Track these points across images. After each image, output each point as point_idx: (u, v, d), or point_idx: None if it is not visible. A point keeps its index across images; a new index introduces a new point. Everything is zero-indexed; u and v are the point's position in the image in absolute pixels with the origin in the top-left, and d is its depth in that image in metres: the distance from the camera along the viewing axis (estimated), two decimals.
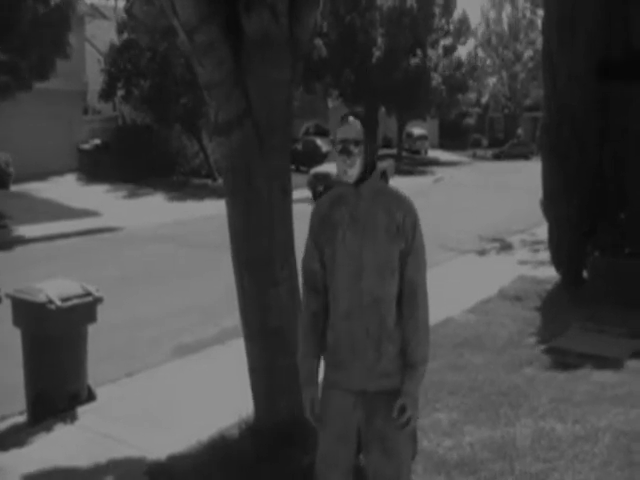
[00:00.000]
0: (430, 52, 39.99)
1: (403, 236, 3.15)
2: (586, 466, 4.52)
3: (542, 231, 13.47)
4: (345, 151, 3.15)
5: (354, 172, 3.16)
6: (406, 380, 3.15)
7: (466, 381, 6.17)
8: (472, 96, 52.28)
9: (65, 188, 25.20)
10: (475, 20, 62.38)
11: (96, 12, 32.44)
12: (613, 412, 5.40)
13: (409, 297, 3.17)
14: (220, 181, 27.74)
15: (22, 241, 16.01)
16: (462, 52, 46.21)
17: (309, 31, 5.36)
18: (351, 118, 3.20)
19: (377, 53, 37.81)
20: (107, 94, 29.53)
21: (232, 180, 4.99)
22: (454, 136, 57.36)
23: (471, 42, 48.57)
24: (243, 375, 5.24)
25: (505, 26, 60.40)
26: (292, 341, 5.02)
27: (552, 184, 10.17)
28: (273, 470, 4.53)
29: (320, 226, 3.25)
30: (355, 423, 3.22)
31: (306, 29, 5.16)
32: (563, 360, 6.89)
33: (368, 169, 3.20)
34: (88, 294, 6.10)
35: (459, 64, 43.65)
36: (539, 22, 54.57)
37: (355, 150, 3.14)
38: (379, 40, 37.91)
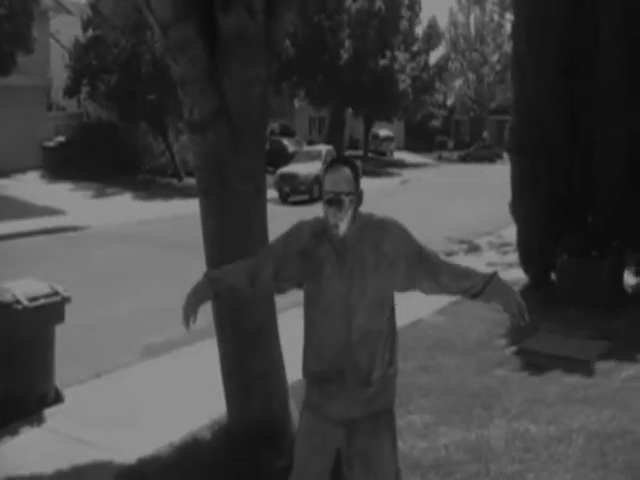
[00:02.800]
0: (398, 54, 40.21)
1: (400, 261, 3.07)
2: (561, 467, 4.54)
3: (509, 233, 13.58)
4: (335, 203, 2.97)
5: (344, 226, 3.00)
6: (491, 294, 3.14)
7: (438, 383, 6.18)
8: (439, 97, 52.68)
9: (28, 186, 24.80)
10: (443, 22, 62.75)
11: (60, 7, 31.97)
12: (585, 413, 5.43)
13: (445, 270, 3.16)
14: (186, 181, 27.60)
15: None
16: (432, 56, 46.66)
17: (285, 29, 5.32)
18: (340, 165, 3.03)
19: (345, 55, 37.91)
20: (72, 90, 29.18)
21: (205, 179, 4.92)
22: (420, 138, 57.73)
23: (440, 45, 48.97)
24: (214, 376, 5.17)
25: (472, 29, 60.91)
26: (265, 343, 4.99)
27: (521, 187, 10.24)
28: (246, 472, 4.48)
29: (300, 256, 3.11)
30: (334, 442, 3.15)
31: (282, 27, 5.12)
32: (533, 362, 6.93)
33: (354, 217, 3.05)
34: (56, 294, 5.98)
35: (426, 65, 43.96)
36: (507, 25, 55.24)
37: (346, 202, 2.97)
38: (347, 42, 38.01)
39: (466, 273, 3.19)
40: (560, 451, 4.77)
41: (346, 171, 3.00)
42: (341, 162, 3.07)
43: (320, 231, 3.10)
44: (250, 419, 4.86)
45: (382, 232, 3.08)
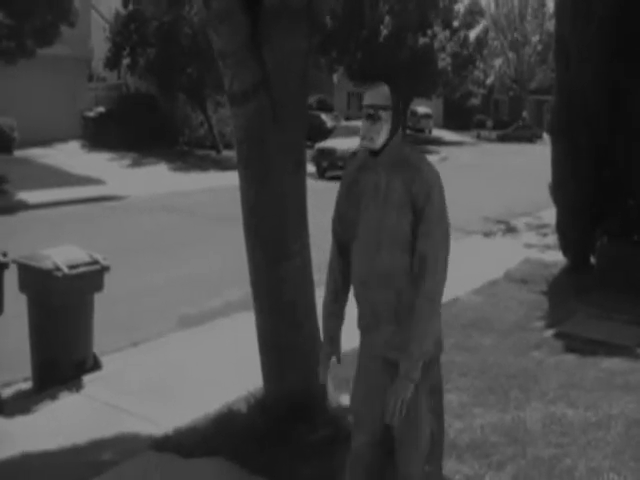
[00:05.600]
0: (438, 32, 39.72)
1: (415, 208, 3.05)
2: (599, 453, 4.47)
3: (548, 214, 13.42)
4: (370, 117, 3.09)
5: (379, 140, 3.10)
6: (404, 358, 3.00)
7: (475, 363, 6.12)
8: (479, 74, 51.97)
9: (69, 155, 25.06)
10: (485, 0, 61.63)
11: None
12: (624, 400, 5.34)
13: (420, 269, 3.02)
14: (224, 153, 27.66)
15: (25, 206, 15.93)
16: (472, 34, 45.98)
17: (327, 1, 5.25)
18: (379, 83, 3.13)
19: (384, 31, 37.50)
20: (112, 63, 29.36)
21: (245, 151, 4.89)
22: (458, 116, 57.14)
23: (481, 24, 48.21)
24: (251, 348, 5.18)
25: (514, 7, 59.85)
26: (303, 316, 4.97)
27: (561, 168, 10.07)
28: (281, 445, 4.49)
29: (347, 190, 3.26)
30: (382, 385, 3.19)
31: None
32: (571, 345, 6.83)
33: (392, 136, 3.14)
34: (95, 262, 6.03)
35: (466, 40, 43.36)
36: (550, 3, 54.21)
37: (382, 115, 3.08)
38: (386, 18, 37.58)
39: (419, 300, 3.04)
40: (598, 437, 4.70)
41: (384, 88, 3.12)
42: (380, 81, 3.17)
43: (362, 164, 3.24)
44: (286, 392, 4.86)
45: (415, 175, 3.08)
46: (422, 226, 3.04)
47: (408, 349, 3.00)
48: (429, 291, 3.01)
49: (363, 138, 3.11)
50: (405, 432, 3.20)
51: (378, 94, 3.09)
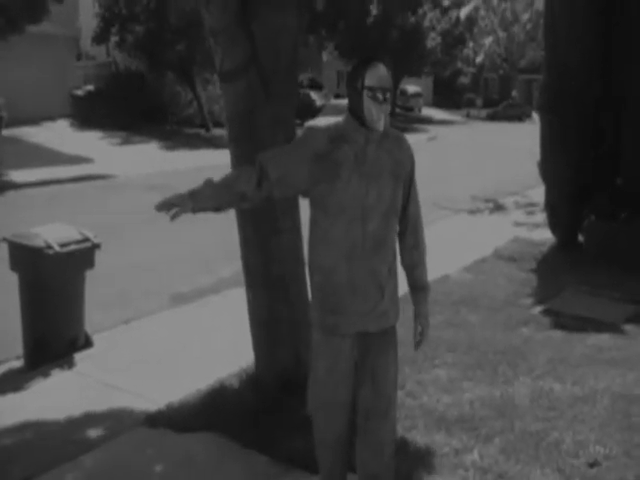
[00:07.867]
0: (427, 12, 39.63)
1: (406, 178, 3.24)
2: (585, 427, 4.54)
3: (536, 193, 13.50)
4: (380, 99, 3.04)
5: (385, 120, 3.11)
6: (421, 303, 3.38)
7: (464, 339, 6.19)
8: (468, 52, 51.82)
9: (58, 134, 24.91)
10: None
11: None
12: (610, 375, 5.42)
13: (414, 229, 3.33)
14: (214, 131, 27.56)
15: (13, 186, 15.83)
16: (462, 13, 45.79)
17: None
18: (380, 64, 3.08)
19: (374, 11, 37.34)
20: (100, 38, 29.11)
21: (236, 128, 4.90)
22: (448, 95, 57.13)
23: (472, 2, 47.97)
24: (243, 325, 5.21)
25: None
26: (293, 291, 5.01)
27: (550, 146, 10.11)
28: (273, 419, 4.53)
29: (315, 160, 3.10)
30: (353, 362, 3.28)
31: None
32: (558, 322, 6.90)
33: None
34: (86, 240, 6.03)
35: (457, 21, 43.29)
36: None
37: (389, 98, 3.09)
38: None
39: (420, 258, 3.40)
40: (585, 411, 4.77)
41: (386, 70, 3.09)
42: (376, 59, 3.11)
43: (337, 135, 3.14)
44: (278, 368, 4.91)
45: (401, 146, 3.25)
46: (412, 190, 3.30)
47: (425, 292, 3.40)
48: (424, 244, 3.41)
49: (378, 120, 3.05)
50: (377, 400, 3.26)
51: (385, 75, 3.06)
